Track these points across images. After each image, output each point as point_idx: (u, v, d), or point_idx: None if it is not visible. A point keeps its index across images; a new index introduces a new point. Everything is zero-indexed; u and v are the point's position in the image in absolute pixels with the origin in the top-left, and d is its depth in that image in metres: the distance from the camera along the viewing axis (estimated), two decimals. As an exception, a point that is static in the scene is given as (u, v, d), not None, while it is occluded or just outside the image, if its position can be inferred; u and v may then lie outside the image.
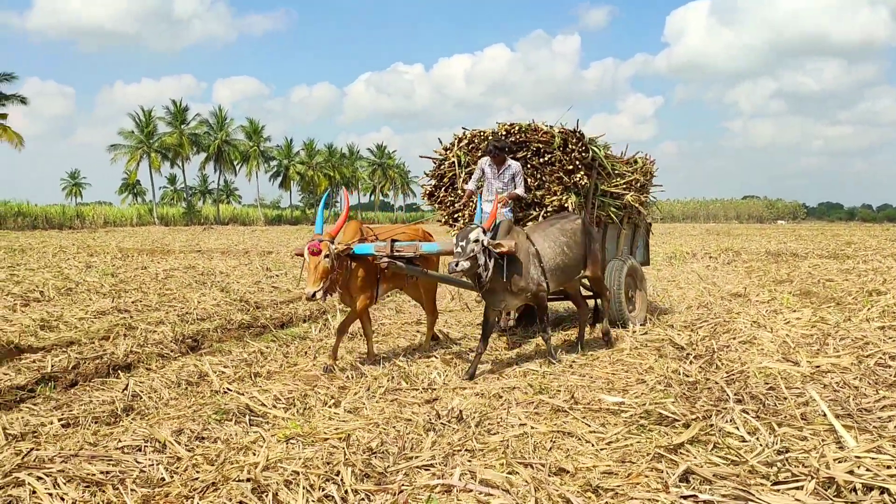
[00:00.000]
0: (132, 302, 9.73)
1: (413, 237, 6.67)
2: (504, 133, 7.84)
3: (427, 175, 8.61)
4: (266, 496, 3.08)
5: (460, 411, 4.48)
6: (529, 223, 7.44)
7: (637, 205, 8.53)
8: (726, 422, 4.00)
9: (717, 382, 4.96)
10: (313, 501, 3.07)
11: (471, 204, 7.68)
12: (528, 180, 7.59)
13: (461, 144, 8.25)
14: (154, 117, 58.67)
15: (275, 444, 3.94)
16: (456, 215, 8.16)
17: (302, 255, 5.73)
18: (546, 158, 7.67)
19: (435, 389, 5.44)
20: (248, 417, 4.66)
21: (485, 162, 7.42)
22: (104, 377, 5.95)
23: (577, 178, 7.52)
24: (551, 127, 7.75)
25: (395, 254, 5.94)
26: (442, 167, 8.41)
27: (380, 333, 8.19)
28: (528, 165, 7.72)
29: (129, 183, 76.93)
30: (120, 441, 4.01)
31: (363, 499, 3.11)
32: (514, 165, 7.29)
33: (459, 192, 8.07)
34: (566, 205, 7.47)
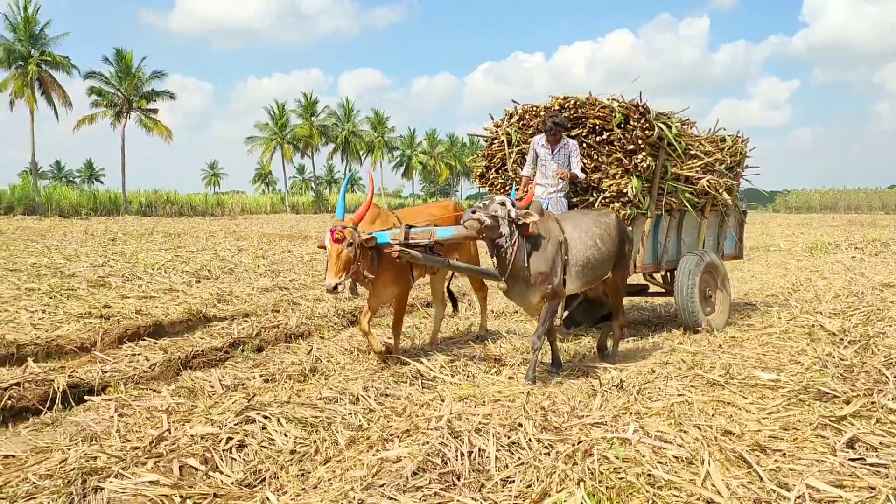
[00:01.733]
0: (289, 281, 10.64)
1: (441, 219, 5.90)
2: (558, 107, 7.04)
3: (479, 155, 7.85)
4: (461, 439, 3.52)
5: (620, 380, 4.79)
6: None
7: (717, 191, 7.44)
8: (889, 399, 4.07)
9: (874, 366, 4.96)
10: (503, 446, 3.49)
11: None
12: (585, 161, 6.79)
13: (512, 121, 7.46)
14: (287, 110, 61.68)
15: (451, 402, 4.40)
16: None
17: (324, 247, 5.17)
18: (604, 137, 6.78)
19: (583, 362, 5.78)
20: (420, 381, 5.17)
21: (537, 142, 6.69)
22: (285, 343, 6.71)
23: (639, 160, 6.54)
24: (611, 100, 6.88)
25: (410, 241, 5.25)
26: (493, 146, 7.61)
27: (517, 318, 8.58)
28: (584, 145, 6.85)
29: (263, 173, 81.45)
30: (320, 393, 4.61)
31: (546, 446, 3.49)
32: (570, 143, 6.61)
33: (510, 173, 7.29)
34: (625, 190, 6.60)
